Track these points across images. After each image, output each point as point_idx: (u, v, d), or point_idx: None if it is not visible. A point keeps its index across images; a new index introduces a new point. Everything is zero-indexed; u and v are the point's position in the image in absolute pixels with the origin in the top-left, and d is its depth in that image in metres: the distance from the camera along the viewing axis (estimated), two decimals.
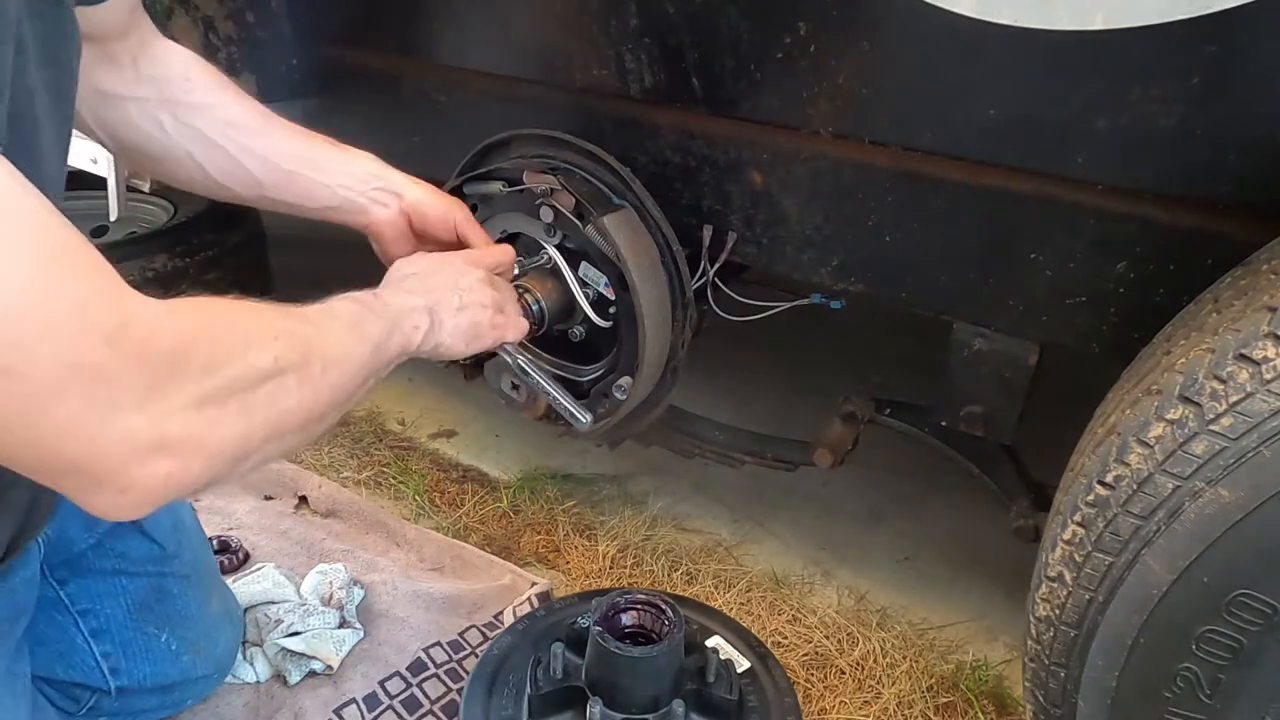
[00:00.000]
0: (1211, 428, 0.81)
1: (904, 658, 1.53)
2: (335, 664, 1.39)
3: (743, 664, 1.23)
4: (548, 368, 1.46)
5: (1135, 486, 0.86)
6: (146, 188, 2.30)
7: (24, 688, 1.10)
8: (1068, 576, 0.93)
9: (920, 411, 1.54)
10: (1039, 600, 0.98)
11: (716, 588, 1.67)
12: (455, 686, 1.39)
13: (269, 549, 1.66)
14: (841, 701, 1.44)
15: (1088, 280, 1.14)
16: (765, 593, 1.67)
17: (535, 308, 1.41)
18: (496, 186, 1.46)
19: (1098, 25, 0.97)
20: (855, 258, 1.31)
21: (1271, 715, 0.86)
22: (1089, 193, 1.09)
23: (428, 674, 1.41)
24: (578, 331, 1.49)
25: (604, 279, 1.42)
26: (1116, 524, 0.88)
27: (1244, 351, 0.81)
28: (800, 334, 2.33)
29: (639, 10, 1.28)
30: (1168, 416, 0.84)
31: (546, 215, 1.41)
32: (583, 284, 1.44)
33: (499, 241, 1.35)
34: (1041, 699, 1.02)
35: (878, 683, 1.48)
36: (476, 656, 1.42)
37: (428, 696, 1.38)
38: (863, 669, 1.51)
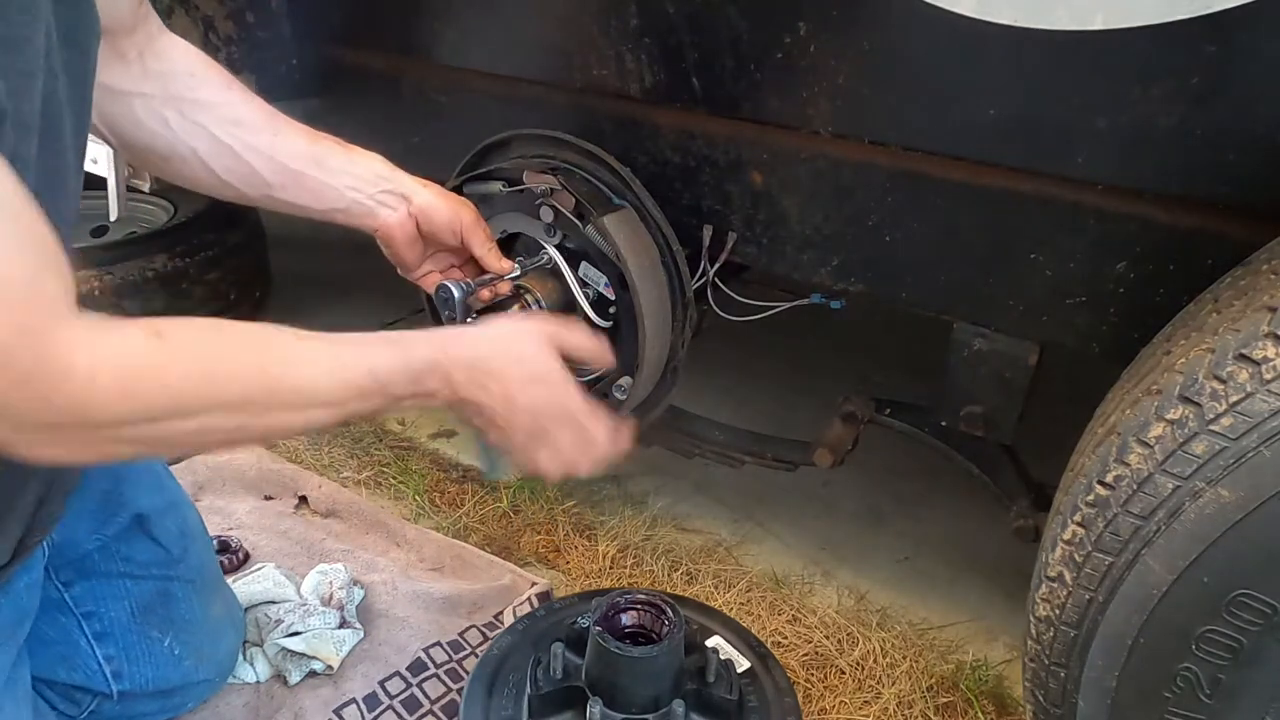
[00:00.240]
0: (1211, 428, 0.81)
1: (904, 658, 1.53)
2: (335, 664, 1.39)
3: (743, 664, 1.23)
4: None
5: (1135, 486, 0.86)
6: (146, 188, 2.30)
7: (25, 692, 1.10)
8: (1068, 576, 0.93)
9: (920, 411, 1.54)
10: (1039, 600, 0.98)
11: (716, 588, 1.67)
12: (455, 686, 1.39)
13: (269, 549, 1.66)
14: (841, 701, 1.44)
15: (1088, 280, 1.14)
16: (765, 593, 1.67)
17: (535, 308, 1.41)
18: (496, 186, 1.46)
19: (1098, 25, 0.97)
20: (855, 258, 1.31)
21: (1271, 715, 0.86)
22: (1089, 193, 1.10)
23: (428, 674, 1.41)
24: None
25: (604, 279, 1.42)
26: (1116, 524, 0.88)
27: (1244, 351, 0.81)
28: (800, 334, 2.33)
29: (639, 10, 1.28)
30: (1168, 416, 0.84)
31: (546, 215, 1.41)
32: (583, 284, 1.44)
33: (499, 242, 1.35)
34: (1041, 699, 1.02)
35: (878, 683, 1.48)
36: (476, 656, 1.43)
37: (428, 696, 1.38)
38: (863, 669, 1.51)
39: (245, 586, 1.48)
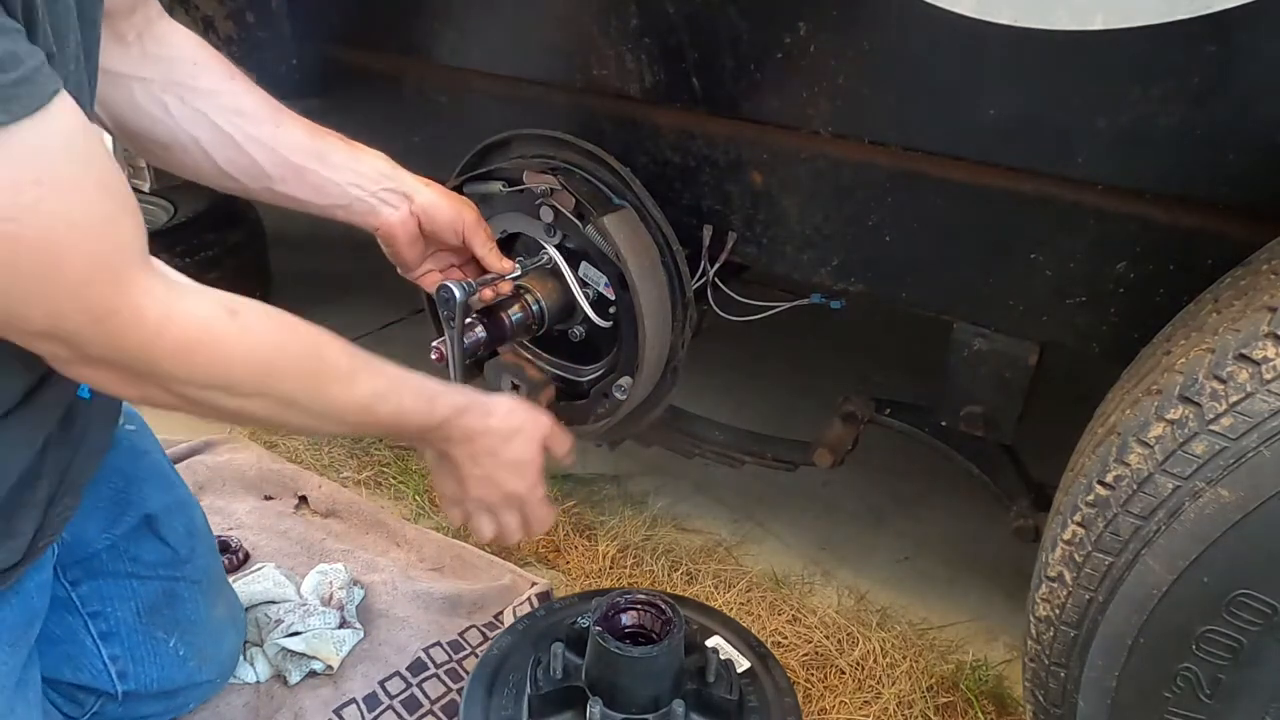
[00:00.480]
0: (1211, 428, 0.81)
1: (904, 658, 1.53)
2: (335, 664, 1.39)
3: (743, 664, 1.23)
4: None
5: (1135, 486, 0.86)
6: (146, 188, 2.29)
7: (35, 696, 1.10)
8: (1068, 576, 0.93)
9: (920, 411, 1.54)
10: (1039, 600, 0.98)
11: (716, 588, 1.67)
12: (455, 686, 1.39)
13: (269, 549, 1.66)
14: (841, 701, 1.44)
15: (1088, 280, 1.14)
16: (765, 593, 1.67)
17: (535, 308, 1.41)
18: (496, 186, 1.46)
19: (1098, 25, 0.97)
20: (855, 258, 1.31)
21: (1271, 715, 0.86)
22: (1089, 193, 1.09)
23: (428, 674, 1.41)
24: (578, 331, 1.49)
25: (604, 279, 1.42)
26: (1116, 524, 0.88)
27: (1244, 351, 0.81)
28: (800, 334, 2.32)
29: (639, 10, 1.27)
30: (1168, 416, 0.84)
31: (546, 215, 1.41)
32: (583, 284, 1.44)
33: (499, 242, 1.35)
34: (1041, 699, 1.02)
35: (878, 683, 1.48)
36: (476, 656, 1.43)
37: (428, 696, 1.38)
38: (863, 669, 1.51)
39: (245, 586, 1.48)
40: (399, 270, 1.30)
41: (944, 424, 1.40)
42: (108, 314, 0.74)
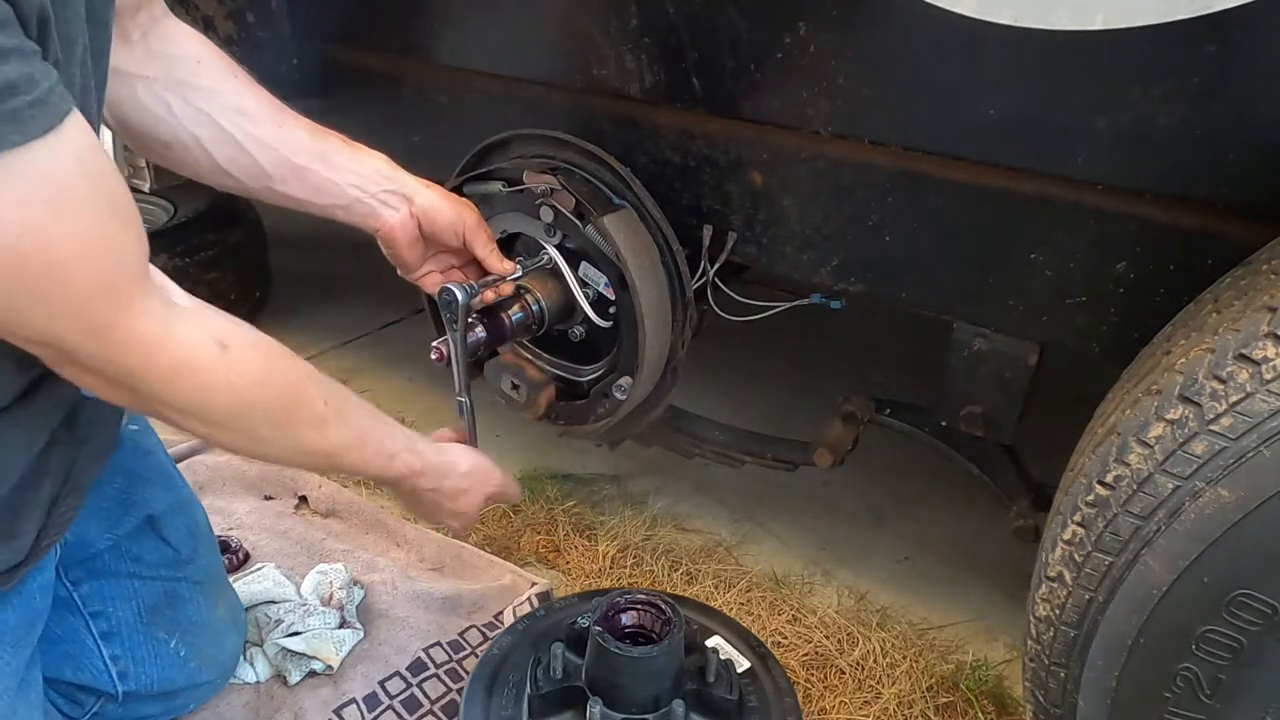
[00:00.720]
0: (1211, 428, 0.81)
1: (904, 658, 1.53)
2: (335, 664, 1.39)
3: (743, 664, 1.23)
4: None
5: (1135, 486, 0.86)
6: (146, 188, 2.30)
7: (37, 697, 1.10)
8: (1068, 576, 0.93)
9: (920, 411, 1.54)
10: (1039, 600, 0.98)
11: (716, 588, 1.67)
12: (455, 686, 1.39)
13: (269, 549, 1.66)
14: (841, 701, 1.44)
15: (1088, 280, 1.14)
16: (765, 593, 1.67)
17: (535, 308, 1.41)
18: (496, 186, 1.46)
19: (1098, 25, 0.97)
20: (855, 258, 1.31)
21: (1271, 715, 0.86)
22: (1089, 193, 1.09)
23: (428, 674, 1.41)
24: (578, 331, 1.49)
25: (604, 279, 1.42)
26: (1116, 524, 0.88)
27: (1244, 351, 0.81)
28: (800, 334, 2.33)
29: (639, 10, 1.27)
30: (1168, 416, 0.84)
31: (546, 215, 1.41)
32: (583, 284, 1.44)
33: (499, 242, 1.35)
34: (1041, 699, 1.02)
35: (878, 683, 1.48)
36: (476, 656, 1.43)
37: (428, 696, 1.38)
38: (863, 669, 1.51)
39: (245, 586, 1.48)
40: (399, 271, 1.30)
41: (944, 424, 1.40)
42: (104, 330, 0.76)
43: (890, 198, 1.23)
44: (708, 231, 1.41)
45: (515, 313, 1.39)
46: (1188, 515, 0.82)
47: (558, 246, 1.43)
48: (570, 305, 1.45)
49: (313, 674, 1.39)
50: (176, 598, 1.24)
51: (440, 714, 1.36)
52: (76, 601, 1.18)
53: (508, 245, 1.49)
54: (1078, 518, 0.92)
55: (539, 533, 1.80)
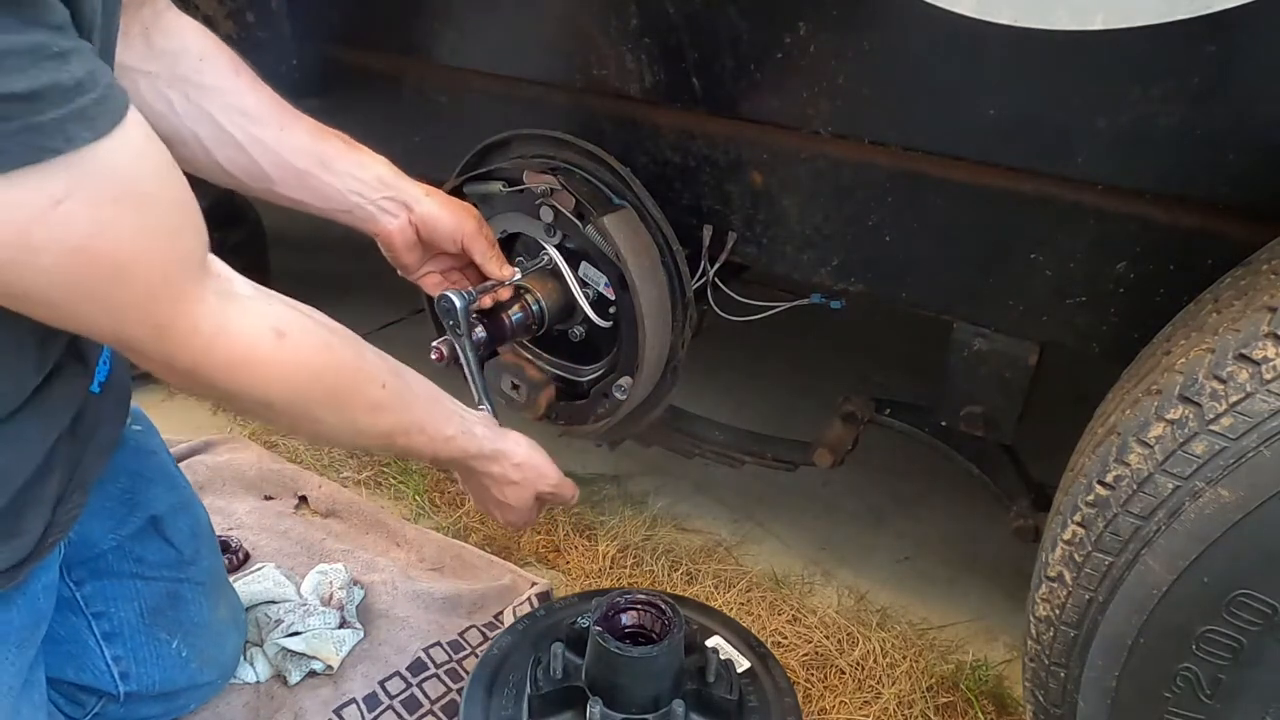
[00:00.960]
0: (1211, 428, 0.81)
1: (904, 658, 1.53)
2: (335, 664, 1.39)
3: (743, 664, 1.23)
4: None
5: (1135, 486, 0.86)
6: None
7: (41, 698, 1.10)
8: (1068, 576, 0.93)
9: (920, 411, 1.54)
10: (1039, 600, 0.98)
11: (716, 588, 1.67)
12: (455, 686, 1.39)
13: (269, 549, 1.66)
14: (841, 701, 1.44)
15: (1088, 280, 1.14)
16: (765, 593, 1.67)
17: (535, 308, 1.41)
18: (496, 186, 1.46)
19: (1098, 25, 0.97)
20: (855, 258, 1.31)
21: (1271, 715, 0.86)
22: (1089, 193, 1.09)
23: (428, 674, 1.41)
24: (578, 331, 1.49)
25: (604, 279, 1.42)
26: (1116, 524, 0.88)
27: (1244, 351, 0.81)
28: (800, 334, 2.33)
29: (639, 10, 1.27)
30: (1168, 416, 0.84)
31: (546, 215, 1.41)
32: (583, 284, 1.44)
33: (500, 241, 1.35)
34: (1041, 699, 1.02)
35: (878, 683, 1.48)
36: (476, 656, 1.43)
37: (428, 696, 1.38)
38: (863, 669, 1.51)
39: (245, 586, 1.48)
40: (399, 272, 1.30)
41: (944, 424, 1.40)
42: (166, 326, 0.77)
43: (890, 198, 1.23)
44: (708, 231, 1.41)
45: (515, 313, 1.39)
46: (1188, 515, 0.82)
47: (558, 246, 1.43)
48: (570, 305, 1.45)
49: (313, 674, 1.39)
50: (179, 598, 1.24)
51: (440, 714, 1.36)
52: (79, 602, 1.18)
53: (508, 245, 1.49)
54: (1078, 518, 0.92)
55: (539, 533, 1.80)
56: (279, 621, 1.42)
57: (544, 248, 1.44)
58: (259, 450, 1.95)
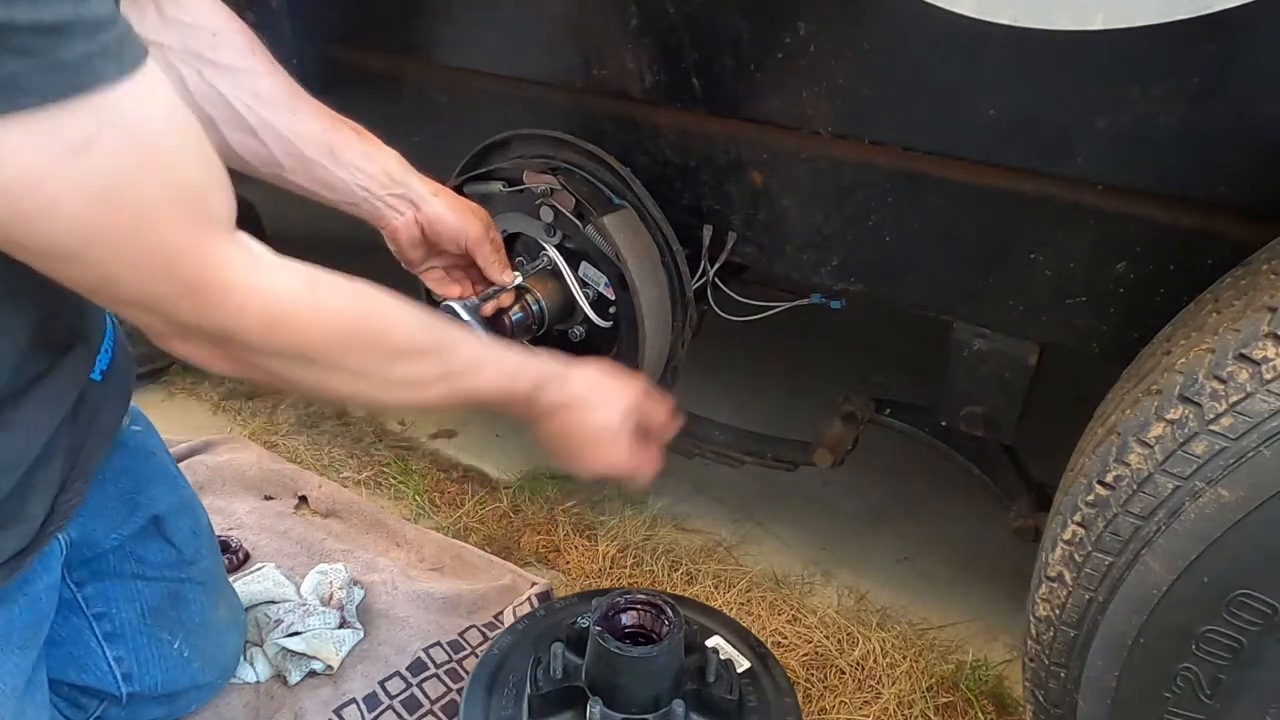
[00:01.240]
0: (1211, 428, 0.81)
1: (904, 658, 1.53)
2: (335, 664, 1.39)
3: (743, 664, 1.23)
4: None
5: (1135, 486, 0.86)
6: None
7: (44, 698, 1.10)
8: (1068, 576, 0.93)
9: (920, 411, 1.54)
10: (1039, 600, 0.98)
11: (716, 588, 1.67)
12: (455, 686, 1.39)
13: (269, 549, 1.66)
14: (841, 701, 1.44)
15: (1088, 280, 1.14)
16: (765, 593, 1.67)
17: (535, 308, 1.41)
18: (496, 186, 1.46)
19: (1098, 25, 0.97)
20: (855, 258, 1.31)
21: (1271, 715, 0.86)
22: (1089, 193, 1.09)
23: (428, 674, 1.41)
24: (578, 331, 1.49)
25: (604, 279, 1.42)
26: (1116, 524, 0.88)
27: (1244, 351, 0.81)
28: (800, 334, 2.33)
29: (639, 10, 1.27)
30: (1168, 416, 0.84)
31: (546, 215, 1.41)
32: (583, 284, 1.44)
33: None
34: (1041, 699, 1.02)
35: (878, 683, 1.48)
36: (476, 656, 1.43)
37: (428, 696, 1.38)
38: (863, 669, 1.51)
39: (245, 586, 1.48)
40: (402, 265, 1.30)
41: (944, 424, 1.40)
42: (197, 286, 0.73)
43: (890, 198, 1.23)
44: (708, 231, 1.41)
45: (515, 313, 1.39)
46: (1188, 515, 0.82)
47: (558, 246, 1.43)
48: (570, 305, 1.45)
49: (313, 674, 1.39)
50: (180, 599, 1.24)
51: (440, 714, 1.36)
52: (80, 603, 1.18)
53: (508, 245, 1.49)
54: (1078, 518, 0.92)
55: (539, 533, 1.80)
56: (279, 621, 1.42)
57: (544, 248, 1.44)
58: (259, 450, 1.95)
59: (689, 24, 1.25)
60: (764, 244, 1.37)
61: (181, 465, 1.80)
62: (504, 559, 1.68)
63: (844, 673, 1.50)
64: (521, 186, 1.42)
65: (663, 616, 1.14)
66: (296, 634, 1.40)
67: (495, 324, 1.36)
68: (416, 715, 1.35)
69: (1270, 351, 0.79)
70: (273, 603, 1.47)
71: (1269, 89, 0.93)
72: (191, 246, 0.72)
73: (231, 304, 0.75)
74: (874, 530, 1.90)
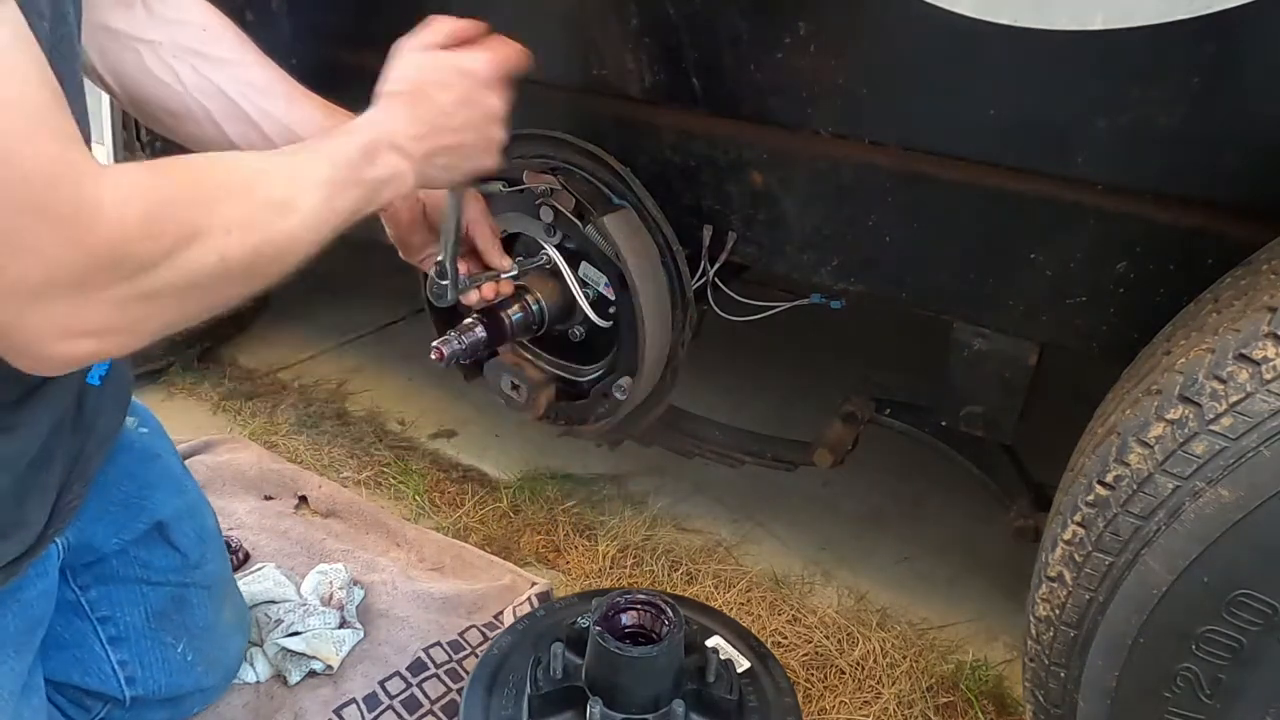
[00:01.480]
0: (1211, 428, 0.81)
1: (904, 658, 1.53)
2: (335, 664, 1.39)
3: (743, 664, 1.23)
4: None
5: (1135, 486, 0.86)
6: None
7: (40, 701, 1.10)
8: (1068, 576, 0.93)
9: (920, 411, 1.54)
10: (1039, 600, 0.98)
11: (716, 588, 1.67)
12: (455, 686, 1.39)
13: (269, 549, 1.66)
14: (841, 701, 1.44)
15: (1088, 280, 1.14)
16: (765, 593, 1.67)
17: (535, 308, 1.41)
18: (496, 186, 1.46)
19: (1098, 25, 0.97)
20: (855, 258, 1.31)
21: (1271, 715, 0.86)
22: (1089, 193, 1.10)
23: (428, 674, 1.41)
24: (578, 331, 1.49)
25: (604, 279, 1.42)
26: (1116, 524, 0.88)
27: (1244, 351, 0.81)
28: (800, 334, 2.32)
29: (639, 10, 1.27)
30: (1168, 416, 0.84)
31: (546, 215, 1.41)
32: (583, 284, 1.44)
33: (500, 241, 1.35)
34: (1041, 699, 1.02)
35: (878, 683, 1.48)
36: (476, 656, 1.42)
37: (428, 696, 1.38)
38: (863, 669, 1.51)
39: (245, 586, 1.48)
40: (401, 254, 1.29)
41: (944, 424, 1.40)
42: (73, 215, 0.66)
43: (890, 198, 1.23)
44: (708, 231, 1.41)
45: (515, 313, 1.38)
46: (1188, 515, 0.82)
47: (558, 246, 1.43)
48: (570, 305, 1.45)
49: (313, 674, 1.39)
50: (184, 602, 1.24)
51: (440, 714, 1.36)
52: (84, 606, 1.18)
53: (508, 245, 1.49)
54: (1078, 518, 0.92)
55: (539, 533, 1.80)
56: (279, 621, 1.42)
57: (544, 248, 1.44)
58: (259, 450, 1.95)
59: (689, 24, 1.25)
60: (764, 244, 1.37)
61: None
62: (504, 559, 1.68)
63: (844, 673, 1.50)
64: (521, 186, 1.42)
65: (663, 616, 1.14)
66: (296, 634, 1.40)
67: (495, 324, 1.36)
68: (416, 715, 1.35)
69: (1270, 351, 0.79)
70: (273, 603, 1.47)
71: (1269, 89, 0.93)
72: (64, 174, 0.65)
73: (110, 220, 0.68)
74: (874, 530, 1.90)
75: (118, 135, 1.84)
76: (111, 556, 1.18)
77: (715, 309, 1.49)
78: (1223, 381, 0.81)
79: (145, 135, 1.88)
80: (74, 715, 1.22)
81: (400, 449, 2.07)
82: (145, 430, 1.24)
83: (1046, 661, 0.98)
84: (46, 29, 0.71)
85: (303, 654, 1.38)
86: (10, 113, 0.62)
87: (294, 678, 1.37)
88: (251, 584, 1.49)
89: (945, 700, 1.47)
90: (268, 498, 1.83)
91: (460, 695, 1.26)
